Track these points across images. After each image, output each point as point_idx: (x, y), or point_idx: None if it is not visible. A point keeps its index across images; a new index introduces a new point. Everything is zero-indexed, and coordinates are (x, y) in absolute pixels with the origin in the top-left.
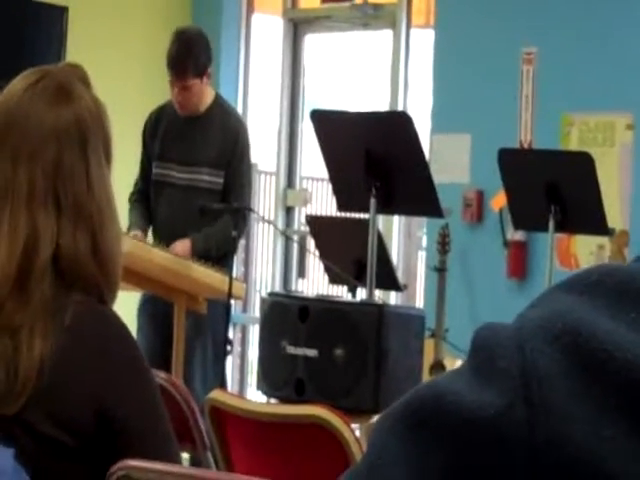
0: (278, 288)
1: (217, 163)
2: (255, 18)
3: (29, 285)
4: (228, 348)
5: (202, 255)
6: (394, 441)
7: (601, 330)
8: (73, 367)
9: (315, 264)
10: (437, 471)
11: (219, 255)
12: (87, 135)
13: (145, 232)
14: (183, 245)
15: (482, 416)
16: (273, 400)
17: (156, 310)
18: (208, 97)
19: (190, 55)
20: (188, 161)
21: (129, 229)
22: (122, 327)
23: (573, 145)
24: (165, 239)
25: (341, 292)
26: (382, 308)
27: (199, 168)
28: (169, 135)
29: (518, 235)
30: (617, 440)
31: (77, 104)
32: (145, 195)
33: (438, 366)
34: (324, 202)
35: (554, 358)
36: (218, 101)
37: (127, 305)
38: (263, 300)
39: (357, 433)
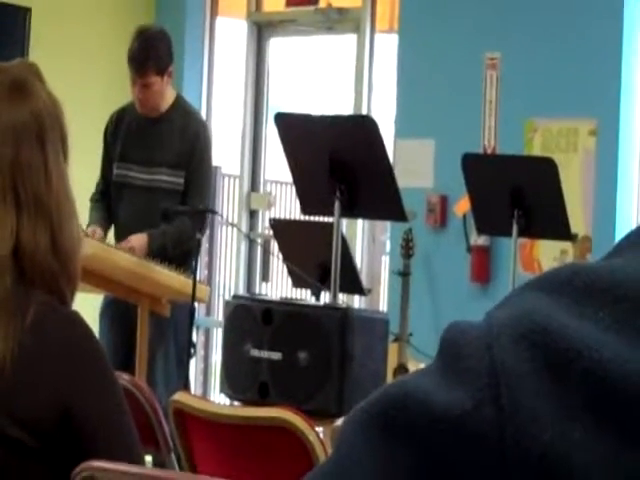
0: (242, 291)
1: (177, 164)
2: (219, 21)
3: None
4: (192, 351)
5: (158, 252)
6: (362, 440)
7: (569, 329)
8: (35, 368)
9: (279, 267)
10: (406, 470)
11: (175, 254)
12: (44, 131)
13: (105, 231)
14: (138, 239)
15: (450, 415)
16: (237, 403)
17: (119, 312)
18: (169, 97)
19: (151, 52)
20: (148, 162)
21: (88, 226)
22: (86, 328)
23: (536, 151)
24: (125, 239)
25: (305, 296)
26: (346, 312)
27: (159, 169)
28: (130, 136)
29: (481, 240)
30: (585, 440)
31: (33, 100)
32: (106, 196)
33: (402, 370)
34: (288, 205)
35: (522, 357)
36: (179, 102)
37: (89, 307)
38: (227, 303)
39: (321, 436)
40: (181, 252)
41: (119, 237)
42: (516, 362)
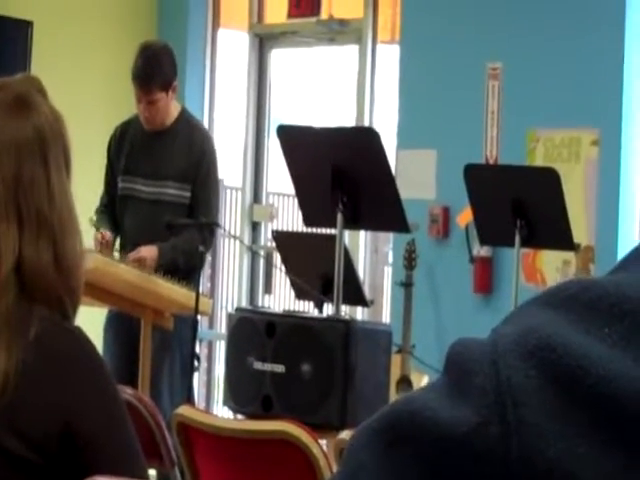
0: (245, 304)
1: (183, 177)
2: (221, 33)
3: None
4: (195, 364)
5: (169, 266)
6: (369, 457)
7: (575, 345)
8: (37, 384)
9: (281, 280)
10: None
11: (186, 268)
12: (47, 146)
13: (113, 236)
14: (149, 250)
15: (457, 432)
16: (240, 416)
17: (122, 326)
18: (174, 111)
19: (156, 70)
20: (154, 175)
21: (97, 228)
22: (88, 343)
23: (539, 161)
24: (131, 252)
25: (308, 308)
26: (349, 324)
27: (165, 182)
28: (135, 149)
29: (484, 250)
30: (591, 456)
31: (36, 115)
32: (110, 209)
33: (405, 381)
34: (290, 217)
35: (528, 375)
36: (184, 115)
37: (93, 321)
38: (230, 316)
39: (324, 449)
40: (192, 266)
41: (124, 249)
42: (522, 379)
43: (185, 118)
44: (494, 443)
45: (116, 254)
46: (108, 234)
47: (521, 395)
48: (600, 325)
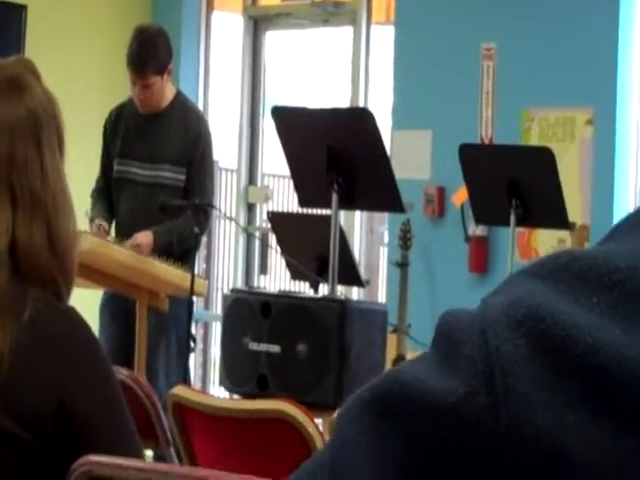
0: (240, 285)
1: (178, 160)
2: (215, 15)
3: None
4: (191, 345)
5: (164, 249)
6: (358, 427)
7: (564, 315)
8: (32, 364)
9: (277, 260)
10: (401, 457)
11: (181, 251)
12: (40, 127)
13: (109, 224)
14: (145, 236)
15: (446, 403)
16: (236, 396)
17: (118, 308)
18: (169, 94)
19: (151, 53)
20: (149, 158)
21: (92, 220)
22: (83, 324)
23: (534, 140)
24: (127, 236)
25: (303, 288)
26: (344, 304)
27: (160, 165)
28: (130, 132)
29: (479, 230)
30: (579, 425)
31: (29, 96)
32: (106, 192)
33: (401, 361)
34: (285, 199)
35: (517, 344)
36: (179, 98)
37: (89, 303)
38: (225, 297)
39: (320, 428)
40: (186, 248)
41: (120, 233)
42: (511, 349)
43: (180, 101)
44: (482, 413)
45: (111, 236)
46: (104, 224)
47: (510, 365)
48: (589, 295)
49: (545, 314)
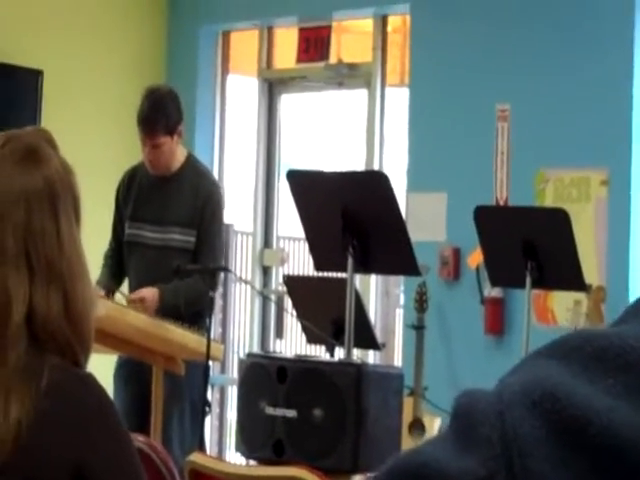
0: (256, 348)
1: (188, 223)
2: (230, 79)
3: (4, 349)
4: (207, 409)
5: (170, 309)
6: None
7: (579, 396)
8: (50, 430)
9: (293, 324)
10: None
11: (189, 312)
12: (56, 196)
13: (112, 292)
14: (150, 291)
15: None
16: (252, 461)
17: (132, 373)
18: (180, 156)
19: (160, 113)
20: (159, 221)
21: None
22: (100, 390)
23: (548, 201)
24: None
25: (319, 352)
26: (361, 367)
27: (170, 227)
28: (141, 195)
29: (495, 292)
30: None
31: (45, 166)
32: (116, 256)
33: (417, 424)
34: (301, 262)
35: (534, 425)
36: (190, 161)
37: (103, 368)
38: (241, 361)
39: None
40: (194, 310)
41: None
42: (528, 430)
43: (191, 164)
44: None
45: (119, 296)
46: (103, 295)
47: (527, 445)
48: (603, 376)
49: (560, 395)
